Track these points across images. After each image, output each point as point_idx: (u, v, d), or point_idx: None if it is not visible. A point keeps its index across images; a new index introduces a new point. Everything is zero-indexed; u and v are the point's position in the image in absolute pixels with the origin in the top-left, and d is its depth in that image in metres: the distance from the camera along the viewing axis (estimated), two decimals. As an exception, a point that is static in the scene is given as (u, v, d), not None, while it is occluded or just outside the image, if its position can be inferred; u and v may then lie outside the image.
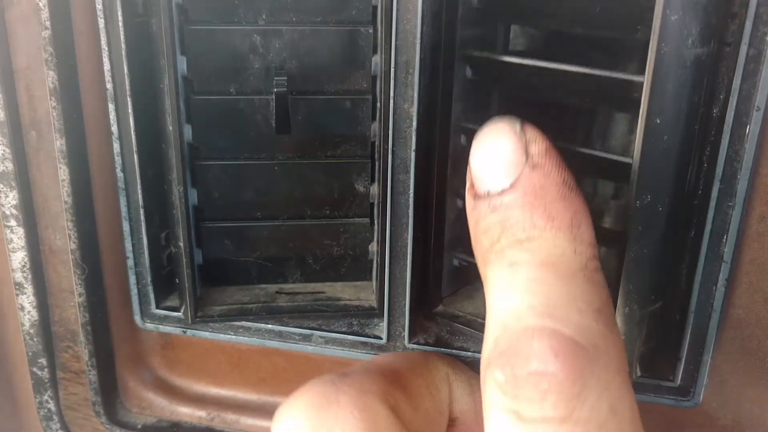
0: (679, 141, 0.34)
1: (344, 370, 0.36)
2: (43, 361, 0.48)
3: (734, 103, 0.34)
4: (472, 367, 0.43)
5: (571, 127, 0.45)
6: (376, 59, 0.40)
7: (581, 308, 0.27)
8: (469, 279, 0.46)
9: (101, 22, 0.39)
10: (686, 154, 0.35)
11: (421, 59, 0.37)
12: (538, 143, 0.30)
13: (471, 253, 0.45)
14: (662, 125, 0.33)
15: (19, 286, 0.46)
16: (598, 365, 0.26)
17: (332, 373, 0.36)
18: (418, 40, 0.37)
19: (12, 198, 0.43)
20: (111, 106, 0.41)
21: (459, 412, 0.39)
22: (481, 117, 0.43)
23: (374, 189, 0.43)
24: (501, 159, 0.30)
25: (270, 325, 0.46)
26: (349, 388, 0.34)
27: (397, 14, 0.37)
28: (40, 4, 0.39)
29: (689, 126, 0.34)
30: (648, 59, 0.32)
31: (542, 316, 0.27)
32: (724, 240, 0.36)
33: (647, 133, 0.33)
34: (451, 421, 0.39)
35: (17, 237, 0.44)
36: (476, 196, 0.31)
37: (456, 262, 0.44)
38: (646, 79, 0.32)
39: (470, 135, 0.41)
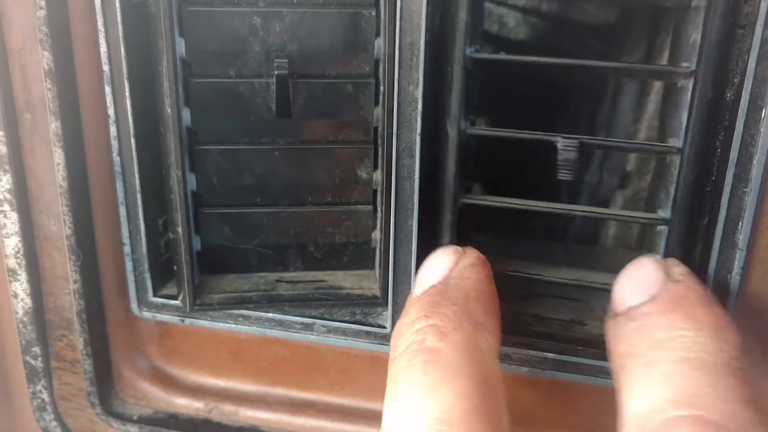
0: (713, 124, 0.34)
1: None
2: (36, 350, 0.48)
3: (749, 87, 0.34)
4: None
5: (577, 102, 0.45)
6: (379, 42, 0.39)
7: (725, 397, 0.27)
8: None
9: (98, 2, 0.39)
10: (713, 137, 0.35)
11: (426, 40, 0.36)
12: (680, 266, 0.33)
13: (478, 240, 0.45)
14: (711, 103, 0.33)
15: (12, 272, 0.45)
16: None
17: None
18: (424, 21, 0.36)
19: (5, 182, 0.42)
20: (108, 89, 0.40)
21: None
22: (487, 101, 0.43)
23: (377, 175, 0.42)
24: (641, 279, 0.33)
25: (270, 314, 0.45)
26: None
27: (402, -6, 0.36)
28: (35, -17, 0.38)
29: (719, 110, 0.34)
30: (701, 40, 0.31)
31: (684, 406, 0.27)
32: (739, 227, 0.36)
33: (698, 117, 0.33)
34: None
35: (10, 222, 0.43)
36: (615, 315, 0.33)
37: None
38: (702, 63, 0.32)
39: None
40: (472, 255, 0.37)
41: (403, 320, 0.35)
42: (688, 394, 0.27)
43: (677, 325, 0.30)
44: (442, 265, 0.37)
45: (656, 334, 0.30)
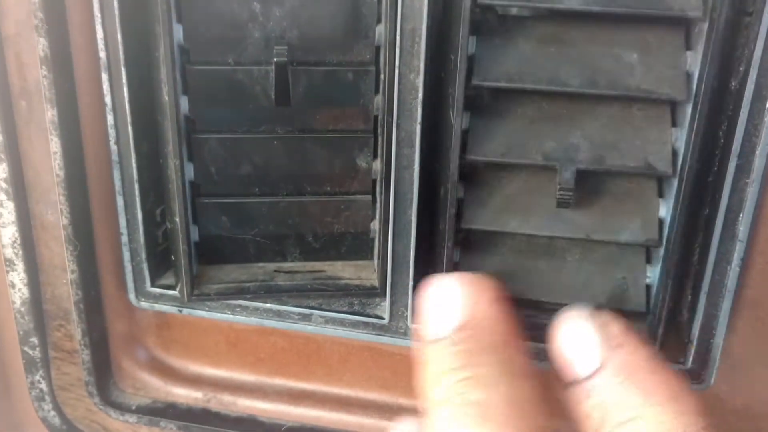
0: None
1: None
2: (34, 340, 0.47)
3: (754, 76, 0.33)
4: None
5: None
6: (380, 29, 0.39)
7: None
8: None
9: (94, -13, 0.38)
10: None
11: (428, 27, 0.36)
12: (614, 324, 0.33)
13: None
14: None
15: (9, 262, 0.45)
16: None
17: None
18: (426, 7, 0.36)
19: (1, 171, 0.42)
20: (104, 76, 0.40)
21: None
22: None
23: (377, 165, 0.42)
24: (582, 343, 0.32)
25: (268, 305, 0.45)
26: None
27: (403, -20, 0.36)
28: (30, -33, 0.37)
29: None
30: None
31: None
32: (740, 218, 0.35)
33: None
34: None
35: (7, 211, 0.43)
36: (568, 384, 0.32)
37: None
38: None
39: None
40: (488, 286, 0.35)
41: (435, 367, 0.33)
42: None
43: (635, 403, 0.29)
44: (460, 299, 0.34)
45: (616, 416, 0.29)
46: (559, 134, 0.36)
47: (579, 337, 0.32)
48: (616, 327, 0.32)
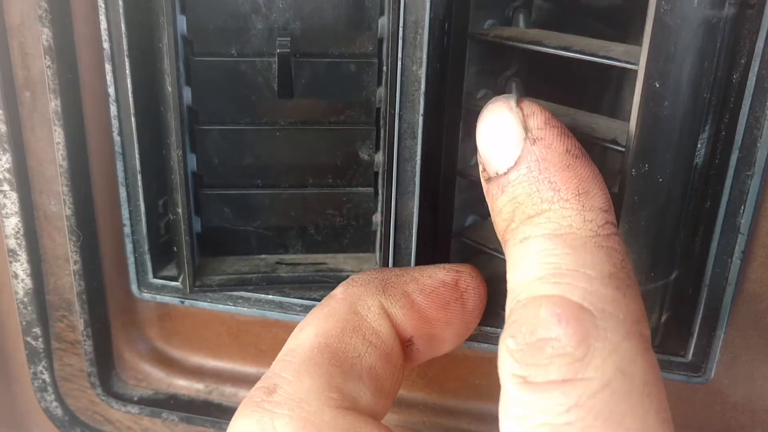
0: (684, 108, 0.32)
1: (269, 383, 0.32)
2: (37, 330, 0.47)
3: (756, 68, 0.33)
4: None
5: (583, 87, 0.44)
6: (383, 21, 0.39)
7: (590, 275, 0.28)
8: (479, 249, 0.44)
9: (97, -22, 0.38)
10: (694, 123, 0.33)
11: (431, 19, 0.36)
12: (536, 116, 0.31)
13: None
14: (662, 90, 0.31)
15: (12, 253, 0.45)
16: (605, 328, 0.27)
17: (259, 390, 0.32)
18: (428, -1, 0.36)
19: (5, 161, 0.42)
20: (108, 67, 0.40)
21: (410, 330, 0.37)
22: (496, 79, 0.42)
23: (379, 157, 0.42)
24: (502, 138, 0.31)
25: (270, 296, 0.45)
26: (281, 409, 0.31)
27: (405, -29, 0.36)
28: (34, -42, 0.38)
29: (696, 92, 0.32)
30: (647, 18, 0.30)
31: (550, 285, 0.28)
32: (742, 211, 0.35)
33: (645, 99, 0.31)
34: (407, 343, 0.37)
35: (10, 202, 0.43)
36: (488, 179, 0.32)
37: (468, 224, 0.43)
38: (644, 41, 0.31)
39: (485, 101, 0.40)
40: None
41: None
42: (555, 273, 0.28)
43: (545, 197, 0.30)
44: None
45: (526, 209, 0.30)
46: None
47: (500, 132, 0.31)
48: (537, 119, 0.31)
